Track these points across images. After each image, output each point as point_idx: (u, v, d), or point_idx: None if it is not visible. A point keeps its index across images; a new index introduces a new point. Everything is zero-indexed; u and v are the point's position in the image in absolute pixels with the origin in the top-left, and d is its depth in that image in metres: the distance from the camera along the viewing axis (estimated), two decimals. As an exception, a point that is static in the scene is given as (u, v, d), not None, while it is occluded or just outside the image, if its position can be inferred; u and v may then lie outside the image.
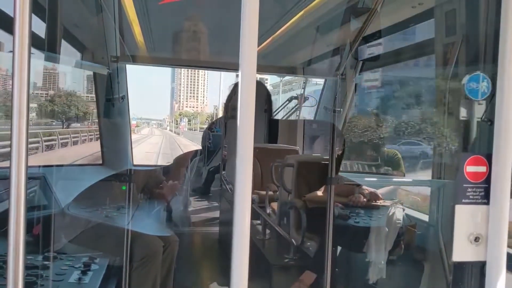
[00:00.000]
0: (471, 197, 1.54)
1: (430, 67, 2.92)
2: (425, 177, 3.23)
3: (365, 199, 3.28)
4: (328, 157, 2.78)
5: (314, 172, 3.44)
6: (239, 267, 1.19)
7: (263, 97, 4.89)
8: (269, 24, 3.63)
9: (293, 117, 5.55)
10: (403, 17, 3.14)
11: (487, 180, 1.53)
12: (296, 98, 5.60)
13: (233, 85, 4.84)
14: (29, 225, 1.15)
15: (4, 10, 2.31)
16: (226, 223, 4.44)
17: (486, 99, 1.83)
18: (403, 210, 3.01)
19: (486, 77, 1.77)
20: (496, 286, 1.48)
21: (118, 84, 3.75)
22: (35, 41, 1.14)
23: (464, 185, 1.54)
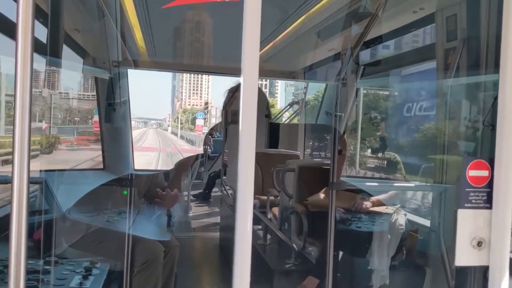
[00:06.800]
0: (473, 201, 1.53)
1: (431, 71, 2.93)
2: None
3: (367, 206, 3.27)
4: (329, 162, 2.77)
5: (315, 177, 3.43)
6: (241, 273, 1.19)
7: (264, 102, 4.88)
8: (270, 29, 3.64)
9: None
10: (404, 22, 3.14)
11: (490, 184, 1.52)
12: (297, 103, 5.61)
13: (229, 90, 4.78)
14: (30, 230, 1.14)
15: (7, 16, 2.32)
16: (227, 228, 4.43)
17: (488, 104, 1.83)
18: (405, 215, 2.99)
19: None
20: (499, 291, 1.47)
21: (119, 88, 3.75)
22: (37, 46, 1.14)
23: (467, 189, 1.53)
